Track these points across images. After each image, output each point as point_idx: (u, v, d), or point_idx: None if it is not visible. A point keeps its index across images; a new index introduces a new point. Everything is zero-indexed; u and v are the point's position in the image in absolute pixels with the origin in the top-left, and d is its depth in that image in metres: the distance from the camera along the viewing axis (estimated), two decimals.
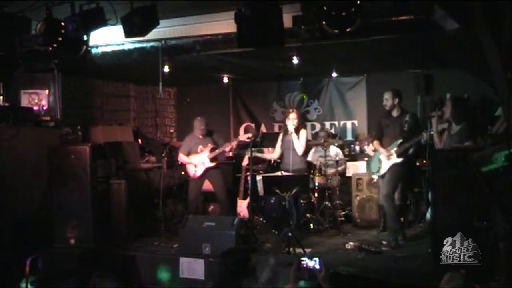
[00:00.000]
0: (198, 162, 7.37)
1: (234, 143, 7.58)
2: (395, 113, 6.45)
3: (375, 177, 7.05)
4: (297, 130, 7.07)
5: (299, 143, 6.99)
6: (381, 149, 6.47)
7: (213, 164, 7.35)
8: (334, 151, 8.30)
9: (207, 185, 7.55)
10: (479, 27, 4.42)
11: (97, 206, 6.58)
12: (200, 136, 7.48)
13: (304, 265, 3.15)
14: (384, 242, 6.36)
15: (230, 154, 8.33)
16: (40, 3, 4.98)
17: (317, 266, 3.12)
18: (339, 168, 8.01)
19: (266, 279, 3.82)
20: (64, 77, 7.63)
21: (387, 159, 6.39)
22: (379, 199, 7.02)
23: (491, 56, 4.34)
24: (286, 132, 7.17)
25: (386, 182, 6.42)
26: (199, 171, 7.36)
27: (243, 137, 7.38)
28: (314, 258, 3.16)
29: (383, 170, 6.45)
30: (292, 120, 7.06)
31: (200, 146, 7.41)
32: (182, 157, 7.52)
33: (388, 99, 6.42)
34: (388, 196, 6.36)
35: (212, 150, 7.35)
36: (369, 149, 7.11)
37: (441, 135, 6.01)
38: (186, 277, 6.00)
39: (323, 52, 7.28)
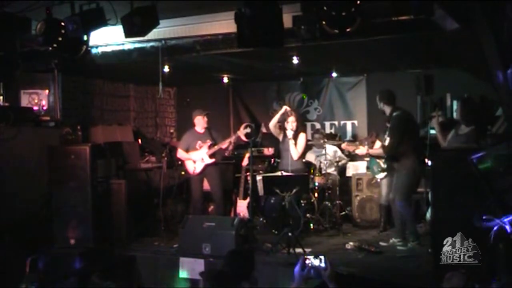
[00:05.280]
0: (197, 158, 7.35)
1: (233, 139, 7.53)
2: (388, 117, 6.35)
3: (378, 177, 7.05)
4: (296, 134, 7.12)
5: (295, 150, 7.08)
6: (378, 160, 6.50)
7: (212, 160, 7.33)
8: (333, 151, 8.30)
9: (206, 185, 7.55)
10: (479, 27, 4.43)
11: (97, 206, 6.58)
12: (201, 131, 7.47)
13: (309, 264, 3.12)
14: (382, 243, 6.35)
15: (226, 154, 8.28)
16: (40, 3, 4.97)
17: (323, 265, 3.10)
18: (339, 167, 8.00)
19: None
20: (64, 77, 7.63)
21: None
22: (381, 199, 7.03)
23: (491, 56, 4.34)
24: (285, 133, 7.20)
25: (397, 189, 6.24)
26: (198, 168, 7.35)
27: (242, 132, 7.36)
28: (320, 257, 3.13)
29: (384, 174, 6.45)
30: (291, 124, 7.11)
31: (199, 142, 7.39)
32: (181, 153, 7.50)
33: (377, 103, 6.39)
34: (404, 202, 6.18)
35: (210, 146, 7.34)
36: (364, 148, 6.99)
37: (444, 134, 5.96)
38: (186, 277, 6.00)
39: (323, 52, 7.28)
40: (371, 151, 6.66)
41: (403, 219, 6.31)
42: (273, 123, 7.45)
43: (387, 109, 6.31)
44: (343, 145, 7.45)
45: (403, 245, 6.22)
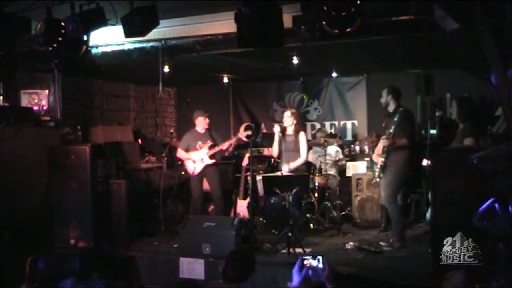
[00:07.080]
0: (197, 158, 7.35)
1: (233, 141, 7.54)
2: (391, 113, 6.40)
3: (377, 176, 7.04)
4: (296, 134, 7.08)
5: (300, 153, 7.01)
6: (374, 155, 6.49)
7: (212, 161, 7.33)
8: (333, 151, 8.30)
9: (206, 185, 7.55)
10: (479, 27, 4.43)
11: (97, 206, 6.58)
12: (201, 132, 7.47)
13: (307, 265, 3.11)
14: (382, 243, 6.35)
15: (226, 154, 8.28)
16: (40, 3, 4.98)
17: (321, 265, 3.08)
18: (339, 166, 7.99)
19: None
20: (64, 77, 7.62)
21: (379, 162, 6.37)
22: (381, 199, 7.01)
23: (491, 56, 4.34)
24: (284, 132, 7.19)
25: (386, 185, 6.31)
26: (198, 168, 7.35)
27: (242, 134, 7.36)
28: (318, 257, 3.12)
29: (380, 173, 6.45)
30: (286, 119, 7.08)
31: (199, 142, 7.38)
32: (181, 153, 7.50)
33: (383, 96, 6.40)
34: (389, 198, 6.27)
35: (211, 147, 7.34)
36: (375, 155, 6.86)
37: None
38: (186, 277, 6.00)
39: (323, 52, 7.29)
40: (398, 141, 6.44)
41: (391, 217, 6.36)
42: (275, 150, 7.37)
43: (392, 104, 6.33)
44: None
45: (389, 246, 6.21)
